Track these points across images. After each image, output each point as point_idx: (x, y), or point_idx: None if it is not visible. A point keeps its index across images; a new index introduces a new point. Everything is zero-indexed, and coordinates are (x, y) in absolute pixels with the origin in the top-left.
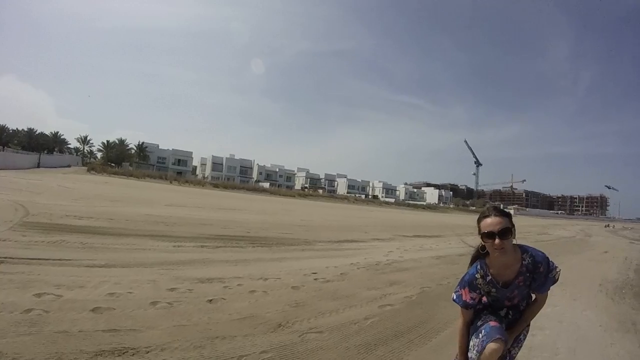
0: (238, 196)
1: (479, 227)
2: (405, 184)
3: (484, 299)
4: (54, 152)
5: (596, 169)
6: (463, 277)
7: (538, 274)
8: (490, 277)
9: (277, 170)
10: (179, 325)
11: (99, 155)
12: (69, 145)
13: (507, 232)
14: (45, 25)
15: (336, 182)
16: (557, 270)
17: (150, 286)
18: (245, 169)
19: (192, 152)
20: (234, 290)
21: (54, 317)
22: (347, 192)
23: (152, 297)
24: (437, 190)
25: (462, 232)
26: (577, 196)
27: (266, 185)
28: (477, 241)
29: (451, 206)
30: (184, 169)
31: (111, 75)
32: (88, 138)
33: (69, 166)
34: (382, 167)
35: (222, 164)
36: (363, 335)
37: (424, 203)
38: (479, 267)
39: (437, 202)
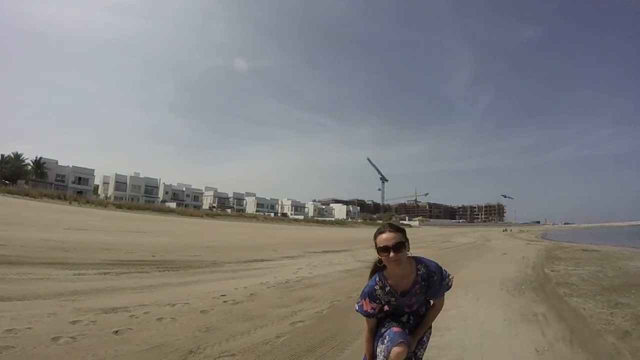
0: (143, 217)
1: (375, 242)
2: (314, 200)
3: (386, 307)
4: None
5: (493, 181)
6: (363, 289)
7: (432, 282)
8: (389, 288)
9: (184, 189)
10: None
11: None
12: None
13: (400, 245)
14: None
15: (245, 201)
16: (450, 277)
17: (51, 320)
18: (150, 188)
19: (94, 170)
20: (140, 319)
21: None
22: (256, 211)
23: (54, 331)
24: (345, 206)
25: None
26: (477, 205)
27: (173, 205)
28: (371, 256)
29: (359, 221)
30: (85, 187)
31: (7, 82)
32: None
33: None
34: (291, 185)
35: (126, 183)
36: (276, 354)
37: (333, 219)
38: (377, 279)
39: (345, 218)
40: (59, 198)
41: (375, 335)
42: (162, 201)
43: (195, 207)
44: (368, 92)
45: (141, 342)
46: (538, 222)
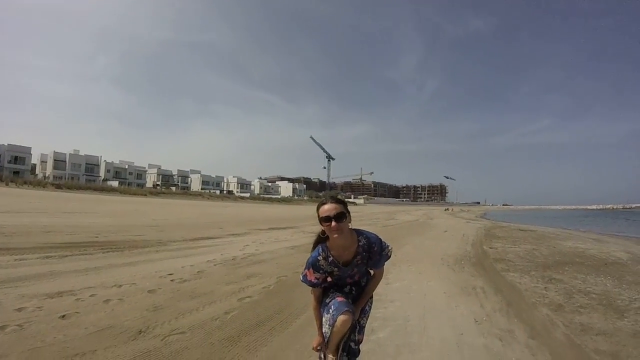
0: (84, 197)
1: (318, 213)
2: (260, 178)
3: (329, 279)
4: None
5: (436, 162)
6: (307, 260)
7: (373, 252)
8: (332, 258)
9: (127, 167)
10: (34, 348)
11: None
12: None
13: (342, 216)
14: None
15: (190, 179)
16: (389, 248)
17: None
18: (91, 166)
19: (30, 148)
20: (87, 302)
21: None
22: (202, 189)
23: (0, 320)
24: (291, 183)
25: (315, 222)
26: (420, 185)
27: (115, 184)
28: (317, 232)
29: (305, 198)
30: (21, 167)
31: None
32: None
33: None
34: (237, 163)
35: (65, 162)
36: (226, 330)
37: (279, 196)
38: (320, 250)
39: (291, 195)
40: None
41: (321, 305)
42: (103, 180)
43: (138, 185)
44: (315, 72)
45: (89, 325)
46: (478, 203)
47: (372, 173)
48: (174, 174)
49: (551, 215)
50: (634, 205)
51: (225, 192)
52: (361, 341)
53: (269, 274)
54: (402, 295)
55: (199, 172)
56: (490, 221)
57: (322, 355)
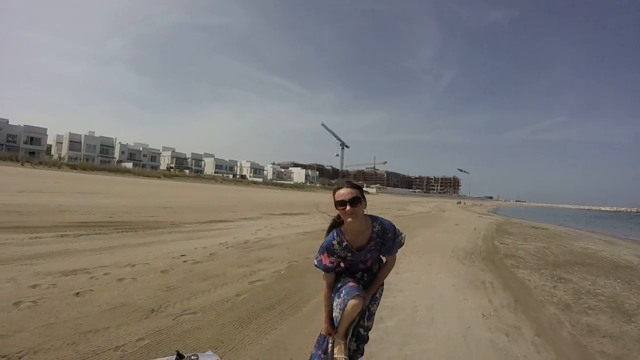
0: (99, 178)
1: (333, 197)
2: (273, 163)
3: (342, 264)
4: None
5: (450, 154)
6: (322, 244)
7: (386, 239)
8: (346, 243)
9: (141, 149)
10: (48, 324)
11: None
12: None
13: (357, 200)
14: None
15: (203, 162)
16: (403, 235)
17: (10, 285)
18: (106, 147)
19: (46, 129)
20: (101, 280)
21: None
22: (215, 172)
23: (15, 297)
24: (304, 170)
25: (327, 209)
26: (433, 177)
27: (129, 165)
28: (328, 219)
29: (317, 185)
30: (37, 148)
31: None
32: None
33: None
34: (251, 147)
35: (80, 143)
36: (236, 311)
37: (292, 182)
38: (335, 234)
39: (304, 182)
40: (11, 159)
41: (332, 291)
42: (118, 161)
43: (152, 167)
44: (331, 58)
45: (103, 303)
46: (491, 198)
47: (385, 162)
48: (187, 157)
49: (564, 213)
50: None
51: (238, 176)
52: (370, 328)
53: (280, 259)
54: (411, 285)
55: (212, 155)
56: (502, 217)
57: (330, 340)
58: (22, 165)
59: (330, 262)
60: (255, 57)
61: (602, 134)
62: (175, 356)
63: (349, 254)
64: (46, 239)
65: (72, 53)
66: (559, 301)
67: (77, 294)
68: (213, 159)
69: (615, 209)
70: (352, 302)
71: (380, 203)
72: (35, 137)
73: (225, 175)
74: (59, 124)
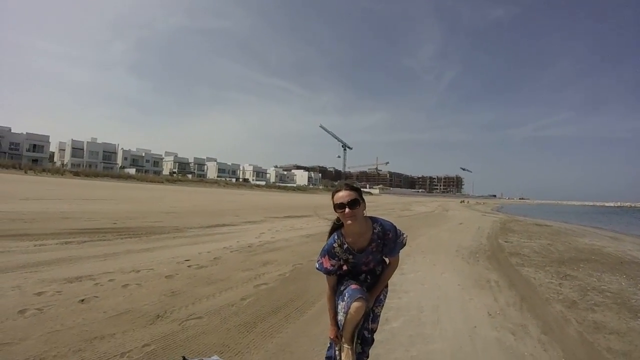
0: (102, 185)
1: (332, 200)
2: (276, 166)
3: (344, 267)
4: None
5: (452, 153)
6: (323, 247)
7: (388, 240)
8: (347, 245)
9: (144, 154)
10: (54, 332)
11: None
12: None
13: (355, 202)
14: None
15: (206, 166)
16: (404, 236)
17: (15, 293)
18: (108, 154)
19: (49, 137)
20: (106, 287)
21: None
22: (218, 176)
23: (20, 304)
24: (307, 172)
25: (329, 211)
26: (436, 177)
27: (132, 171)
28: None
29: (320, 187)
30: (40, 155)
31: None
32: None
33: None
34: (252, 150)
35: (82, 149)
36: (242, 316)
37: (294, 185)
38: (336, 237)
39: (306, 184)
40: (14, 167)
41: (335, 293)
42: (121, 167)
43: (155, 172)
44: (332, 59)
45: (108, 309)
46: (494, 196)
47: (387, 163)
48: (190, 161)
49: (568, 210)
50: None
51: (241, 180)
52: (375, 330)
53: (284, 262)
54: (416, 286)
55: (215, 160)
56: (506, 215)
57: (337, 347)
58: (25, 172)
59: (332, 265)
60: (256, 60)
61: (606, 130)
62: None
63: (351, 257)
64: (50, 246)
65: (73, 57)
66: (564, 298)
67: (82, 300)
68: (215, 163)
69: (619, 204)
70: (355, 305)
71: (383, 204)
72: (37, 145)
73: (228, 179)
74: (60, 128)
